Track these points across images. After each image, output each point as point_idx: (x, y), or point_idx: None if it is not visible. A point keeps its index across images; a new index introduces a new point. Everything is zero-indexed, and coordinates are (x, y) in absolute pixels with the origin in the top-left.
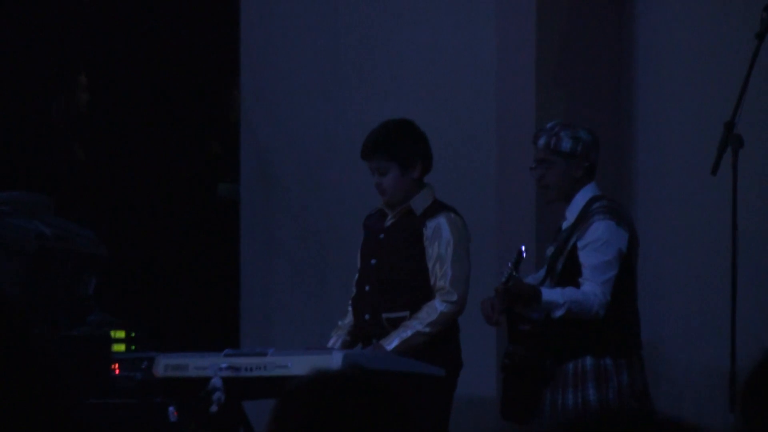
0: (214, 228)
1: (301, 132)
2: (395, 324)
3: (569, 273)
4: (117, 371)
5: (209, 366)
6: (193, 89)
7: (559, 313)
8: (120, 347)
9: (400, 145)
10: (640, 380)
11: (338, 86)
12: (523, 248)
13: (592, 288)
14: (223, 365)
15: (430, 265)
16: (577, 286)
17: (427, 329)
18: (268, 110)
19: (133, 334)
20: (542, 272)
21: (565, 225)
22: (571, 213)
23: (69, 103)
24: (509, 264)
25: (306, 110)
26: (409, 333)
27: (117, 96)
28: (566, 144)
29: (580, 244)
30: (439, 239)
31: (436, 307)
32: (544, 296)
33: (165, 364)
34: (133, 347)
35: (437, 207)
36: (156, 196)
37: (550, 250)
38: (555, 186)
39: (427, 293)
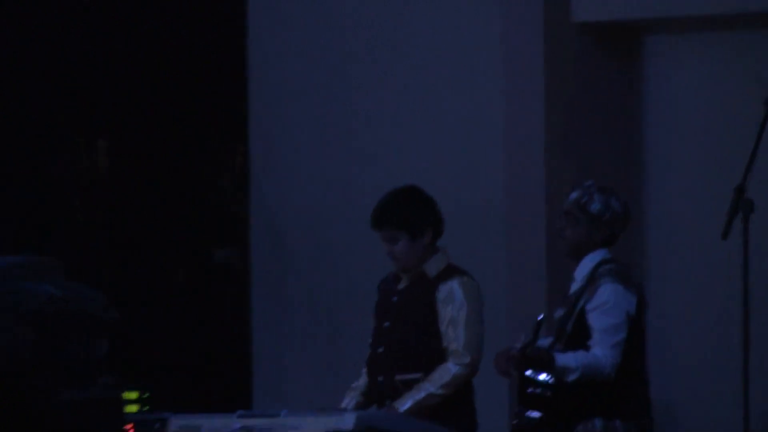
0: (225, 290)
1: (311, 194)
2: (409, 386)
3: (579, 336)
4: None
5: (222, 427)
6: (200, 150)
7: (572, 377)
8: (133, 408)
9: (407, 214)
10: None
11: (350, 149)
12: (542, 317)
13: (602, 351)
14: (236, 426)
15: (442, 328)
16: (587, 348)
17: (440, 391)
18: (277, 173)
19: (146, 395)
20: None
21: (573, 287)
22: (580, 274)
23: (83, 165)
24: (527, 332)
25: (317, 173)
26: (422, 394)
27: (125, 158)
28: (595, 206)
29: (588, 307)
30: (452, 302)
31: (449, 369)
32: (558, 361)
33: (178, 425)
34: (146, 408)
35: (451, 271)
36: (167, 258)
37: (558, 313)
38: (571, 242)
39: (440, 355)
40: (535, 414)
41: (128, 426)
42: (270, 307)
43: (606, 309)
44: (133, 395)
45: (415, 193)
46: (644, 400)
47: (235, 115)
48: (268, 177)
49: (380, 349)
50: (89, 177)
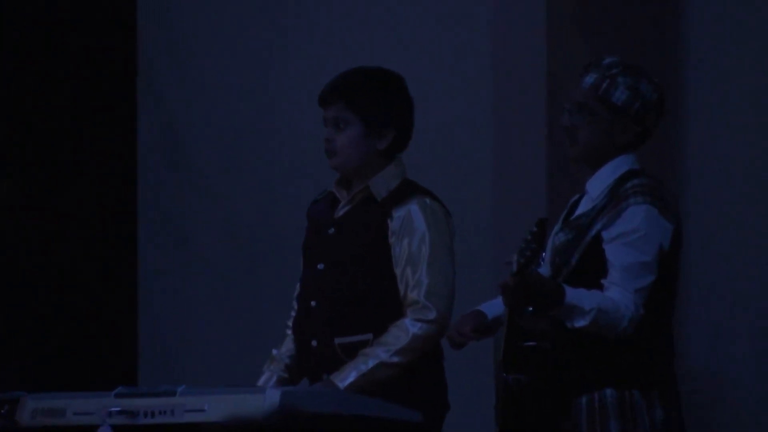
0: (101, 219)
1: (222, 90)
2: (353, 352)
3: (587, 271)
4: None
5: (95, 410)
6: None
7: (581, 322)
8: None
9: (373, 98)
10: (677, 418)
11: (277, 32)
12: (545, 218)
13: (622, 296)
14: (115, 409)
15: (398, 271)
16: (599, 288)
17: (396, 359)
18: (175, 60)
19: None
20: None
21: (584, 204)
22: (596, 187)
23: None
24: (527, 238)
25: (230, 60)
26: (371, 364)
27: None
28: (620, 95)
29: (606, 235)
30: (411, 234)
31: (407, 329)
32: (568, 296)
33: (33, 409)
34: None
35: (407, 190)
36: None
37: (559, 238)
38: (586, 144)
39: (395, 309)
40: (522, 377)
41: None
42: (163, 245)
43: (633, 239)
44: None
45: (394, 81)
46: (668, 364)
47: None
48: (162, 62)
49: (312, 302)
50: None
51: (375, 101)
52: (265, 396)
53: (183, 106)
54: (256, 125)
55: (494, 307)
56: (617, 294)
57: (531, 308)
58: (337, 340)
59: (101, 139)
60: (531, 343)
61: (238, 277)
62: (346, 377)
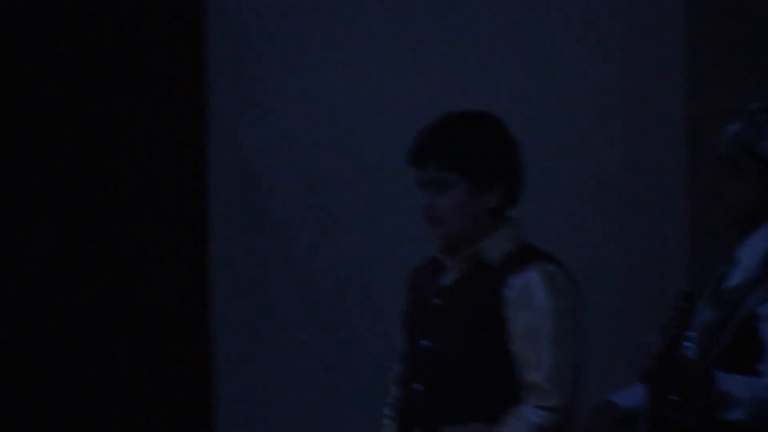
0: (175, 277)
1: (306, 136)
2: None
3: (739, 355)
4: None
5: None
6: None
7: (735, 414)
8: None
9: (474, 152)
10: None
11: (372, 68)
12: (690, 291)
13: None
14: None
15: (514, 348)
16: (754, 374)
17: None
18: (248, 97)
19: None
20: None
21: (735, 276)
22: (748, 255)
23: None
24: (673, 314)
25: (314, 96)
26: None
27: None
28: None
29: (763, 312)
30: (530, 306)
31: (526, 417)
32: (721, 383)
33: None
34: None
35: (526, 254)
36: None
37: (705, 315)
38: (734, 205)
39: (511, 393)
40: None
41: None
42: (241, 305)
43: None
44: None
45: (492, 125)
46: None
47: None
48: (234, 100)
49: (415, 385)
50: None
51: (477, 153)
52: None
53: (260, 151)
54: (345, 175)
55: (629, 395)
56: None
57: (675, 397)
58: (446, 430)
59: (167, 187)
60: None
61: (325, 349)
62: None
